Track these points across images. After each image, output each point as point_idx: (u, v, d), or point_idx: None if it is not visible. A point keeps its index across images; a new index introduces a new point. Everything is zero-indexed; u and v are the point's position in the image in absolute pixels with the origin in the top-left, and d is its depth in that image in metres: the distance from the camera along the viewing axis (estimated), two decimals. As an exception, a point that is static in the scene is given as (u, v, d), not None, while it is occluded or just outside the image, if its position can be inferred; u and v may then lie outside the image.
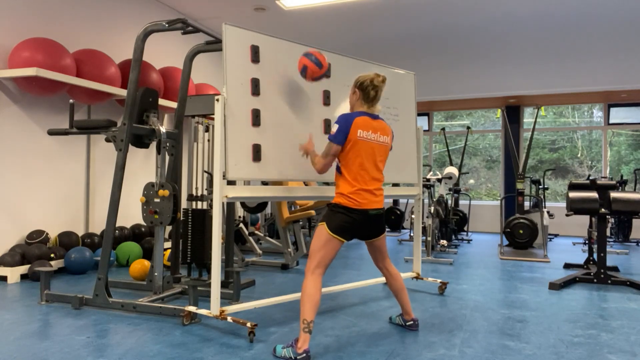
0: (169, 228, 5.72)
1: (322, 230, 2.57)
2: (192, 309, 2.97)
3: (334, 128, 2.60)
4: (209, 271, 3.93)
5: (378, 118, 2.72)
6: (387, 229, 8.79)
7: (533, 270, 5.07)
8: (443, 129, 8.91)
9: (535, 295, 3.89)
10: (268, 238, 6.00)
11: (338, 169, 2.68)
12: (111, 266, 4.96)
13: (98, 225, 5.35)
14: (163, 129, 3.51)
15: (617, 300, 3.78)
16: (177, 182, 3.91)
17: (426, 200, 6.63)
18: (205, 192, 4.83)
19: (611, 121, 8.87)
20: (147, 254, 5.22)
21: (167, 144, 3.58)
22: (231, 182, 3.48)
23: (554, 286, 4.14)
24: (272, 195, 3.11)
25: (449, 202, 7.70)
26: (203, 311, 2.88)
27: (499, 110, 9.00)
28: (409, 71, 4.09)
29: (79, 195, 5.15)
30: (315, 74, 2.90)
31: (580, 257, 6.11)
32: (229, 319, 2.78)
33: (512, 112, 9.04)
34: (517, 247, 6.47)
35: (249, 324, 2.69)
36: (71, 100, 3.56)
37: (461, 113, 10.46)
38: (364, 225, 2.62)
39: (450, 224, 6.96)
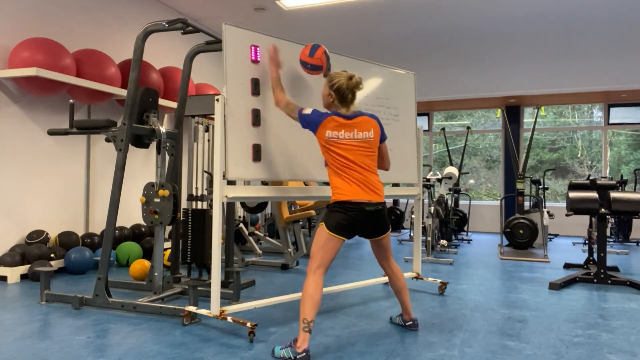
0: (169, 228, 5.72)
1: (321, 230, 2.59)
2: (192, 309, 2.97)
3: (309, 110, 2.68)
4: (209, 271, 3.93)
5: (355, 116, 2.65)
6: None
7: (533, 270, 5.07)
8: (443, 129, 8.91)
9: (535, 295, 3.89)
10: (268, 238, 6.00)
11: (326, 163, 2.68)
12: (111, 266, 4.96)
13: (98, 225, 5.35)
14: (163, 129, 3.51)
15: (617, 300, 3.78)
16: (177, 182, 3.91)
17: (426, 200, 6.63)
18: (205, 192, 4.83)
19: (611, 121, 8.87)
20: (147, 254, 5.23)
21: (167, 144, 3.58)
22: (231, 182, 3.48)
23: (554, 286, 4.14)
24: (272, 195, 3.11)
25: (449, 202, 7.70)
26: (203, 311, 2.88)
27: (499, 110, 9.00)
28: (409, 71, 4.09)
29: (79, 195, 5.15)
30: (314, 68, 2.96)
31: (580, 257, 6.11)
32: (229, 319, 2.78)
33: (512, 112, 9.04)
34: (517, 247, 6.47)
35: (249, 324, 2.69)
36: (71, 100, 3.56)
37: (461, 113, 10.46)
38: (361, 222, 2.60)
39: (450, 224, 6.96)
